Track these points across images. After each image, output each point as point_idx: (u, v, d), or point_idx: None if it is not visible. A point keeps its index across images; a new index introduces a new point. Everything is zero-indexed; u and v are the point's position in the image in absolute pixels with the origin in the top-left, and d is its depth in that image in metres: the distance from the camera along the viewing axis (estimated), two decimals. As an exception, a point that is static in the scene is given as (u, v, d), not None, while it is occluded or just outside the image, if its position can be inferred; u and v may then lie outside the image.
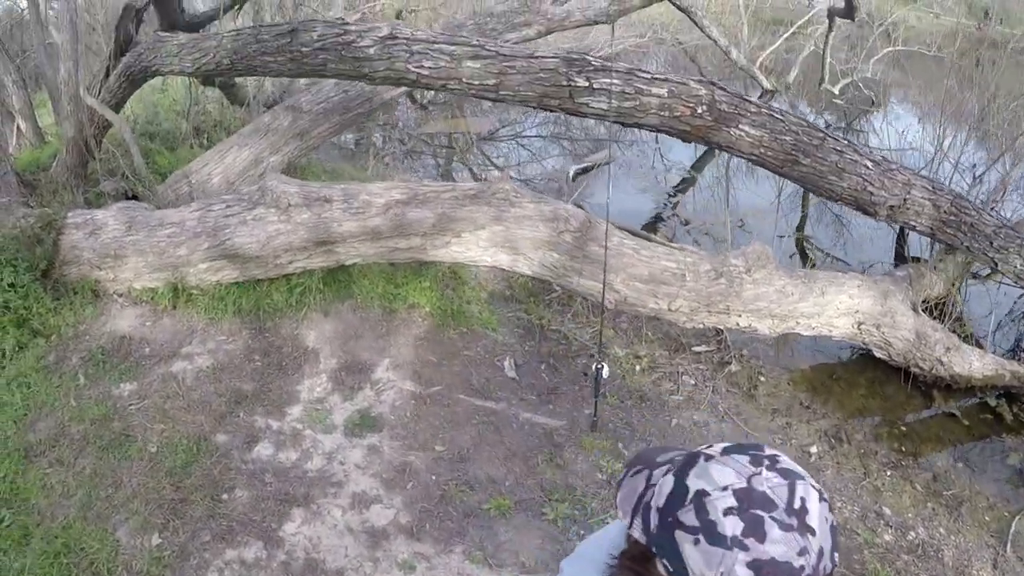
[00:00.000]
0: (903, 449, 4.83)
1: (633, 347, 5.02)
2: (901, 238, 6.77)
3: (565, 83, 4.08)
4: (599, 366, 3.96)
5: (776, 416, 4.79)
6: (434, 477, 3.92)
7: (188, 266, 4.68)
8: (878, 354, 5.16)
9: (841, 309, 4.90)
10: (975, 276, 6.31)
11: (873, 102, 11.28)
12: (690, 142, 4.57)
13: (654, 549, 1.11)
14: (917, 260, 6.10)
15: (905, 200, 4.57)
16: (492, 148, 9.45)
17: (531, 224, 4.48)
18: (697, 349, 5.15)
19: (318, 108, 6.26)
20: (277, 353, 4.62)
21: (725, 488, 1.03)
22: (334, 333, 4.78)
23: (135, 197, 5.46)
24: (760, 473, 1.04)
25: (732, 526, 1.00)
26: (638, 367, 4.87)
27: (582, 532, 3.74)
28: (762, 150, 4.27)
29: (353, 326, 4.84)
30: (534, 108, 4.50)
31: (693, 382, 4.87)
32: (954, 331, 5.27)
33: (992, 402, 5.25)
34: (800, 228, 7.52)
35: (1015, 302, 6.30)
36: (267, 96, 7.93)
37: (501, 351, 4.86)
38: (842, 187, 4.46)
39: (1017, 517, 4.27)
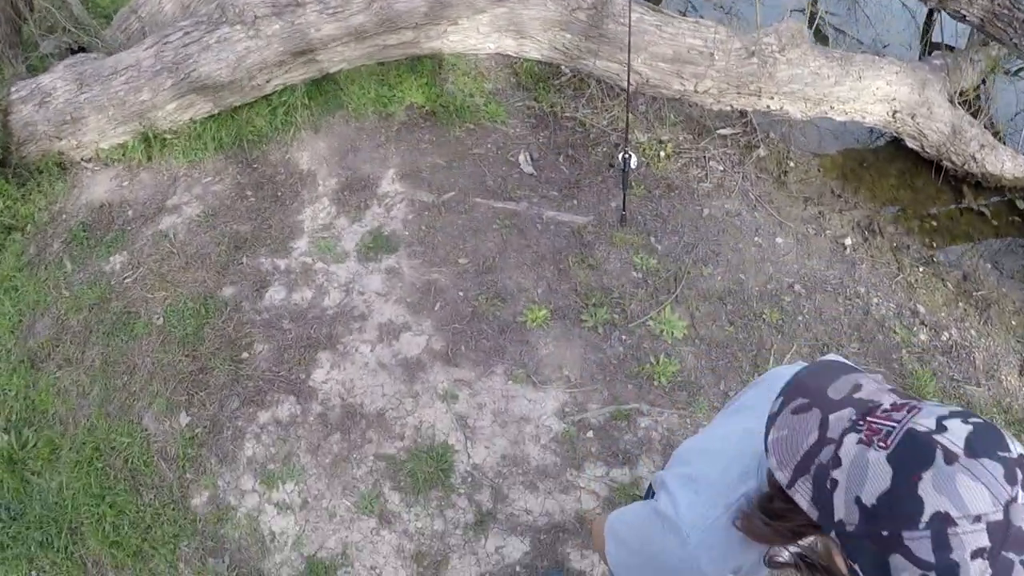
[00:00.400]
0: (934, 244, 4.66)
1: (655, 131, 4.59)
2: (928, 24, 6.24)
3: None
4: (626, 155, 3.60)
5: (808, 205, 4.49)
6: (461, 293, 3.63)
7: (155, 110, 4.12)
8: (910, 144, 4.84)
9: (878, 96, 4.51)
10: (1004, 72, 5.83)
11: None
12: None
13: (839, 542, 0.89)
14: (951, 48, 5.64)
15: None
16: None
17: (538, 2, 3.95)
18: (722, 132, 4.73)
19: None
20: (270, 184, 4.17)
21: (978, 519, 0.79)
22: (329, 150, 4.32)
23: (83, 49, 4.77)
24: (1016, 498, 0.79)
25: (979, 574, 0.78)
26: (662, 153, 4.46)
27: (624, 338, 3.52)
28: None
29: (348, 139, 4.37)
30: None
31: (721, 168, 4.50)
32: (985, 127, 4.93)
33: (1021, 204, 5.03)
34: (813, 2, 6.89)
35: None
36: None
37: (514, 145, 4.40)
38: None
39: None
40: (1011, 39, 4.47)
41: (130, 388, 3.38)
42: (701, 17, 5.88)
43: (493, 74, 4.69)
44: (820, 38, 6.19)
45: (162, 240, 3.89)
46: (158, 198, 4.13)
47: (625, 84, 4.03)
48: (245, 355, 3.45)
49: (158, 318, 3.59)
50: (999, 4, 4.26)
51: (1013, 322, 4.18)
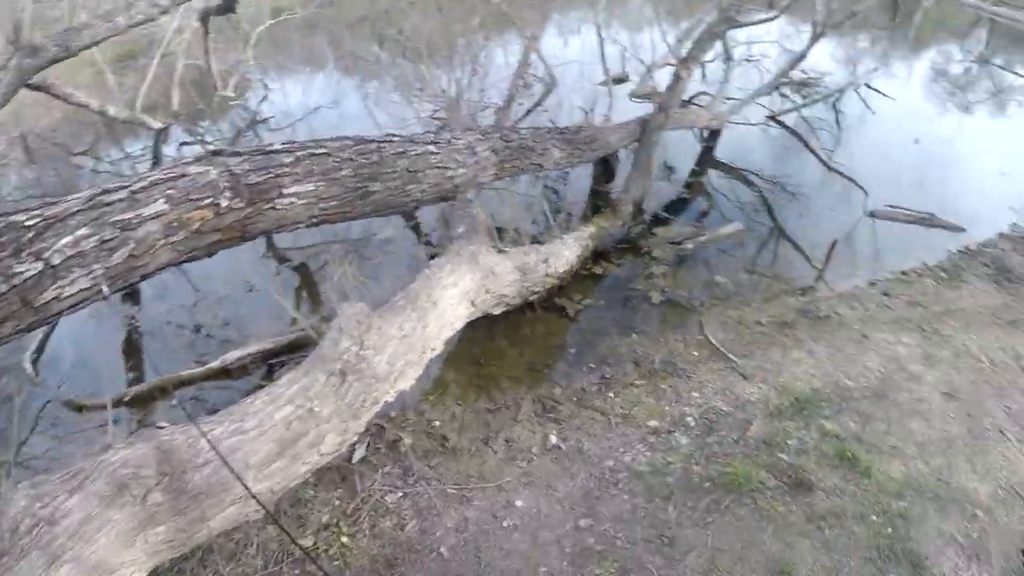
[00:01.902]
0: (606, 376, 4.63)
1: (304, 521, 3.69)
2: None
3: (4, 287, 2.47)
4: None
5: (473, 456, 4.00)
6: None
7: None
8: (497, 312, 4.75)
9: (455, 301, 4.25)
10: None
11: (267, 87, 11.03)
12: (216, 252, 3.12)
13: None
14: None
15: (477, 163, 3.92)
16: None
17: (94, 524, 2.84)
18: (360, 456, 4.03)
19: None
20: None
21: None
22: None
23: None
24: None
25: None
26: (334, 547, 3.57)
27: None
28: (323, 205, 3.16)
29: None
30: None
31: (398, 496, 3.78)
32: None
33: (598, 270, 5.58)
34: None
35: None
36: None
37: None
38: (423, 189, 3.64)
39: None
40: (520, 167, 4.77)
41: None
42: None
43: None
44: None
45: None
46: None
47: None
48: None
49: None
50: (502, 151, 4.39)
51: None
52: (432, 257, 5.25)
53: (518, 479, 3.77)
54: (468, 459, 3.95)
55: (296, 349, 4.74)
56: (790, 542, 3.33)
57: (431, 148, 3.69)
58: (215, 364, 4.86)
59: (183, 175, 2.81)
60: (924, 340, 4.64)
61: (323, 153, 3.18)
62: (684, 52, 6.11)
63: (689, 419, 4.08)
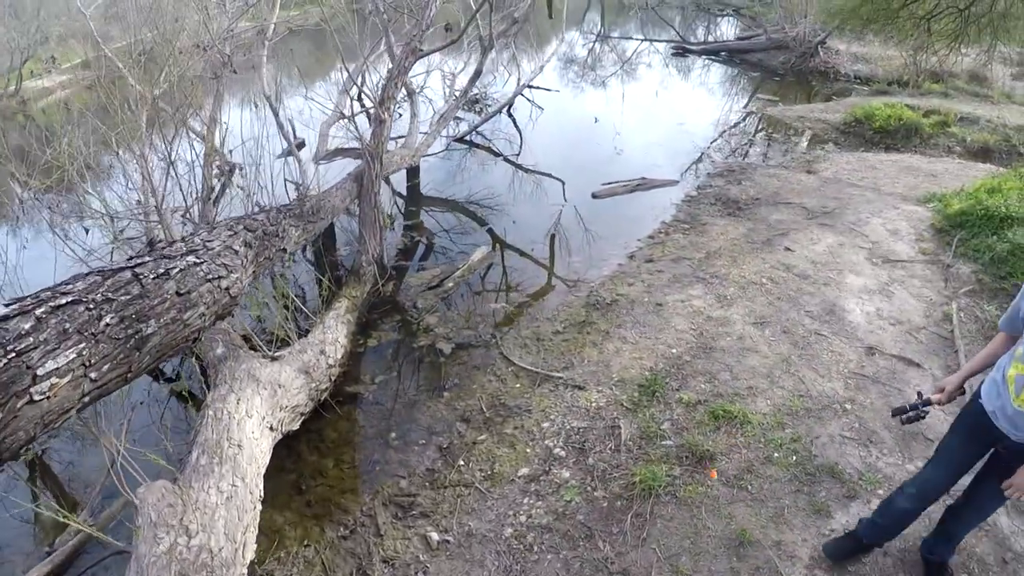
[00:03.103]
0: (444, 447, 4.12)
1: None
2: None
3: None
4: None
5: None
6: None
7: None
8: (296, 427, 4.11)
9: (257, 434, 3.61)
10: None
11: None
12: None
13: None
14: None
15: (241, 263, 3.28)
16: None
17: None
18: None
19: None
20: None
21: None
22: None
23: None
24: None
25: None
26: None
27: None
28: (94, 375, 2.24)
29: None
30: None
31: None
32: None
33: (372, 342, 5.10)
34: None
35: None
36: None
37: None
38: (202, 313, 2.88)
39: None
40: (272, 257, 4.19)
41: None
42: None
43: None
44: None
45: None
46: None
47: None
48: None
49: None
50: (253, 245, 3.79)
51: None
52: (182, 394, 4.48)
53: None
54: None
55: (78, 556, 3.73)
56: (728, 513, 3.22)
57: (192, 259, 2.88)
58: (-5, 624, 3.62)
59: None
60: (708, 287, 4.82)
61: (71, 302, 2.25)
62: (377, 95, 5.84)
63: (557, 450, 3.79)
